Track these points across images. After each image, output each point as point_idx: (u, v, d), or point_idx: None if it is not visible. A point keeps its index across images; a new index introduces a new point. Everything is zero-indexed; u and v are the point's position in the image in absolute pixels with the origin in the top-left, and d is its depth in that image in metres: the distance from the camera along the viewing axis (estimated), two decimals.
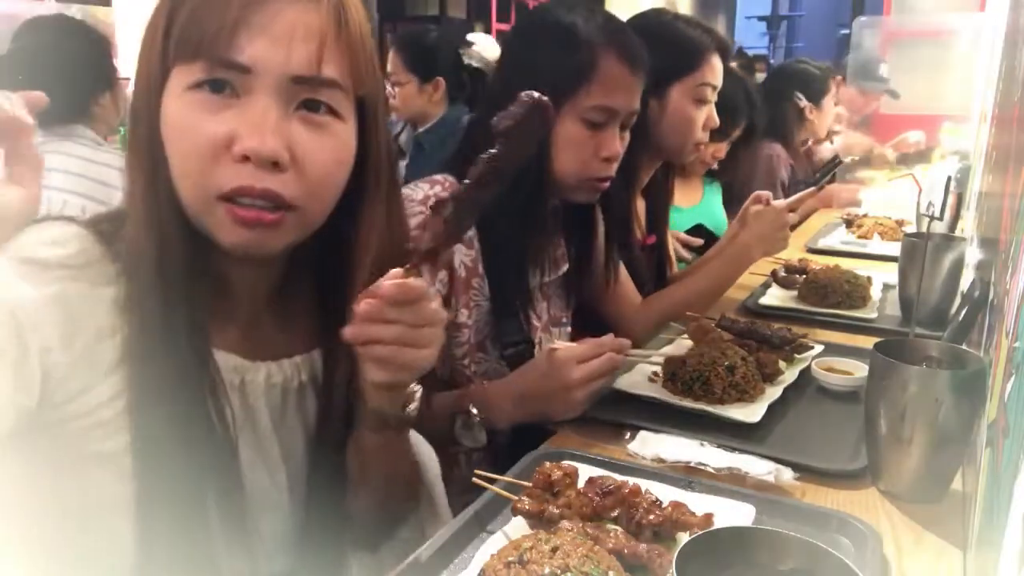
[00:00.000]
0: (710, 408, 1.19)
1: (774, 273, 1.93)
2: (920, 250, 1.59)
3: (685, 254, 2.28)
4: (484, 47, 2.59)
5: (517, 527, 0.88)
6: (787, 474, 1.01)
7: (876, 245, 2.48)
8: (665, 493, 0.90)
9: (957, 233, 2.01)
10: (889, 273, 1.89)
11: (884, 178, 3.33)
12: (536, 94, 0.75)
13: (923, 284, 1.47)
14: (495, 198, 0.76)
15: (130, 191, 0.77)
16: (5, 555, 0.78)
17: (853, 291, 1.76)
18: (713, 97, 1.79)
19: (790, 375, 1.32)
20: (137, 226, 0.75)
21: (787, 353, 1.39)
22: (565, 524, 0.83)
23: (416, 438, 0.96)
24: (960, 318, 1.18)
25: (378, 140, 0.83)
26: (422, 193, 1.31)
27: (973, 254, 1.62)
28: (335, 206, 0.81)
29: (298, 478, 0.89)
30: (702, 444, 1.08)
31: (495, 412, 1.21)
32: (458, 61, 3.23)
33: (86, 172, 1.96)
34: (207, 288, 0.79)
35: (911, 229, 2.36)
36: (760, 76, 5.10)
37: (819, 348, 1.45)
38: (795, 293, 1.84)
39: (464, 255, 1.34)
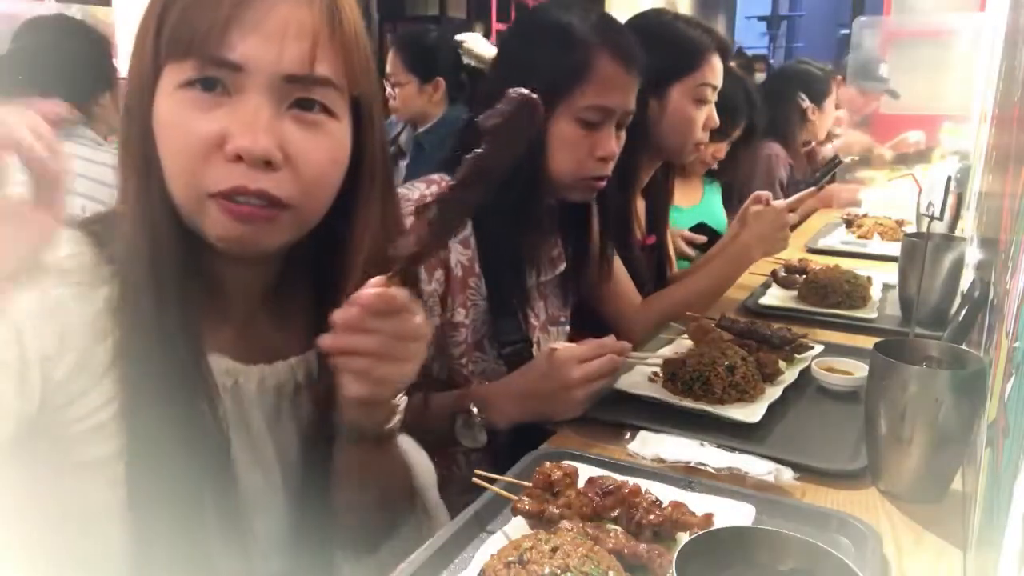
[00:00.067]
0: (710, 408, 1.19)
1: (774, 273, 1.93)
2: (920, 250, 1.59)
3: (689, 251, 2.28)
4: (475, 45, 2.59)
5: (517, 527, 0.88)
6: (787, 474, 1.00)
7: (876, 245, 2.48)
8: (665, 493, 0.90)
9: (957, 233, 2.01)
10: (889, 273, 1.89)
11: (884, 178, 3.33)
12: (525, 91, 0.72)
13: (923, 284, 1.47)
14: (485, 198, 0.74)
15: (123, 190, 0.76)
16: (5, 559, 0.78)
17: (853, 291, 1.76)
18: (713, 97, 1.79)
19: (790, 375, 1.32)
20: (130, 225, 0.74)
21: (787, 353, 1.39)
22: (565, 524, 0.83)
23: (410, 444, 0.95)
24: (960, 318, 1.18)
25: (373, 139, 0.82)
26: (418, 193, 1.31)
27: (973, 254, 1.62)
28: (331, 206, 0.80)
29: (294, 479, 0.89)
30: (702, 444, 1.08)
31: (495, 412, 1.21)
32: (458, 61, 3.22)
33: (86, 172, 1.95)
34: (201, 289, 0.79)
35: (911, 229, 2.36)
36: (759, 76, 5.10)
37: (819, 348, 1.45)
38: (795, 293, 1.84)
39: (461, 254, 1.34)
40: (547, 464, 0.91)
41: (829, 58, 4.78)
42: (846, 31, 5.27)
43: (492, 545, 0.83)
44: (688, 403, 1.22)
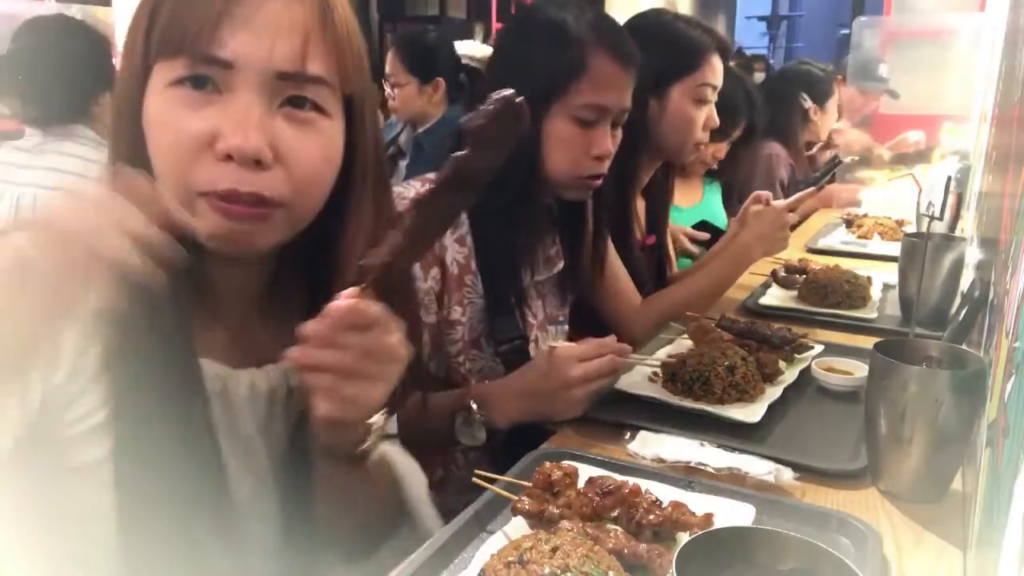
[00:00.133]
0: (710, 408, 1.19)
1: (774, 273, 1.93)
2: (920, 250, 1.59)
3: (692, 248, 2.28)
4: (474, 52, 2.60)
5: (517, 527, 0.88)
6: (787, 474, 1.01)
7: (876, 245, 2.48)
8: (665, 493, 0.90)
9: (957, 233, 2.01)
10: (889, 273, 1.89)
11: (884, 178, 3.33)
12: (509, 93, 0.70)
13: (923, 284, 1.47)
14: (469, 202, 0.72)
15: None
16: (5, 560, 0.77)
17: (853, 291, 1.76)
18: (713, 97, 1.79)
19: (790, 375, 1.32)
20: None
21: (787, 353, 1.39)
22: (565, 524, 0.83)
23: (399, 454, 0.93)
24: (960, 318, 1.18)
25: (366, 138, 0.81)
26: (414, 191, 1.30)
27: (973, 254, 1.62)
28: (324, 205, 0.79)
29: (286, 485, 0.88)
30: (702, 444, 1.08)
31: (495, 411, 1.21)
32: (458, 61, 3.24)
33: (86, 172, 1.95)
34: (191, 291, 0.77)
35: (911, 229, 2.36)
36: (759, 76, 5.10)
37: (819, 348, 1.45)
38: (795, 293, 1.84)
39: (457, 252, 1.34)
40: (547, 464, 0.91)
41: (829, 58, 4.78)
42: (846, 31, 5.27)
43: (492, 545, 0.83)
44: (688, 403, 1.22)
